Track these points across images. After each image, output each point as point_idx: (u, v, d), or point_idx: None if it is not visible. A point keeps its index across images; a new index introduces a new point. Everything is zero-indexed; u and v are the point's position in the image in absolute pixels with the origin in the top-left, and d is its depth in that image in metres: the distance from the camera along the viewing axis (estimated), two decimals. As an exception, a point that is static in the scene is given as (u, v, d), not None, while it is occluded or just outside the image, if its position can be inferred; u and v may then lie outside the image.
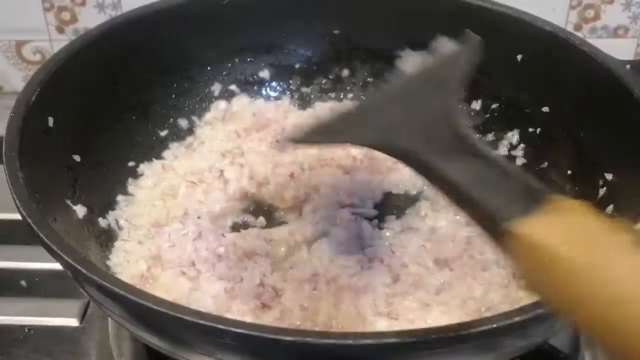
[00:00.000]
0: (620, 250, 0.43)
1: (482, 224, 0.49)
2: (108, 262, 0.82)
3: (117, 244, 0.85)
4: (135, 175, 0.93)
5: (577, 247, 0.43)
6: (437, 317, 0.76)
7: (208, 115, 1.02)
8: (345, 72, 1.05)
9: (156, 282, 0.80)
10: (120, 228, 0.87)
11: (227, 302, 0.76)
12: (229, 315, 0.74)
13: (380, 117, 0.56)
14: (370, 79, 1.05)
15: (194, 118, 1.01)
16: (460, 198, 0.50)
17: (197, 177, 0.93)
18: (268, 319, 0.75)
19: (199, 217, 0.87)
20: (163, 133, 0.98)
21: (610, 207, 0.81)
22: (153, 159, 0.96)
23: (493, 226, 0.47)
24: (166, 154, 0.98)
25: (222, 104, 1.03)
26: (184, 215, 0.88)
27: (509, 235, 0.45)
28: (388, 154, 0.56)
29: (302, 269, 0.80)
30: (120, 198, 0.90)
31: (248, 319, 0.74)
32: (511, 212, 0.45)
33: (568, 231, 0.44)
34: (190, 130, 1.00)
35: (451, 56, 0.60)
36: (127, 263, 0.82)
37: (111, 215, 0.87)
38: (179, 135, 1.00)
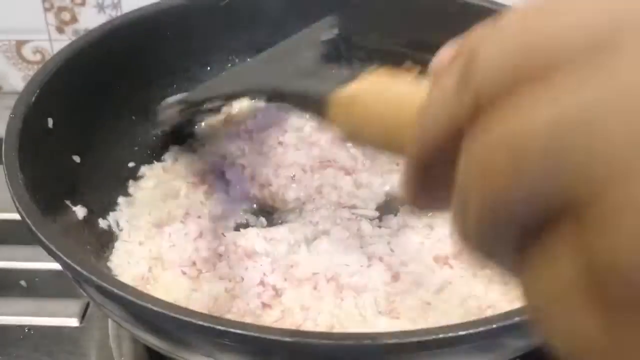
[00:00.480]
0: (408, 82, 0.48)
1: (316, 112, 0.58)
2: (109, 264, 0.82)
3: (117, 244, 0.85)
4: (136, 176, 0.94)
5: (374, 88, 0.50)
6: (438, 316, 0.76)
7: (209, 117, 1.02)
8: (345, 72, 1.05)
9: (157, 283, 0.80)
10: (120, 229, 0.87)
11: (228, 302, 0.77)
12: (229, 316, 0.74)
13: (260, 70, 0.82)
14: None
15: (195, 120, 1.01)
16: (301, 102, 0.63)
17: (199, 178, 0.93)
18: (269, 319, 0.75)
19: (199, 217, 0.87)
20: (171, 133, 0.98)
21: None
22: (154, 161, 0.96)
23: (320, 108, 0.55)
24: (167, 156, 0.98)
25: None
26: (185, 215, 0.88)
27: (327, 104, 0.54)
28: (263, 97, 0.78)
29: (302, 268, 0.81)
30: (120, 200, 0.90)
31: (249, 319, 0.74)
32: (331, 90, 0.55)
33: (372, 84, 0.51)
34: (191, 133, 1.01)
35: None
36: (128, 264, 0.82)
37: (111, 217, 0.87)
38: (179, 137, 1.00)
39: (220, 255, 0.82)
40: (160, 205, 0.90)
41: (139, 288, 0.76)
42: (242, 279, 0.79)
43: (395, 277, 0.81)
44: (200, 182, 0.92)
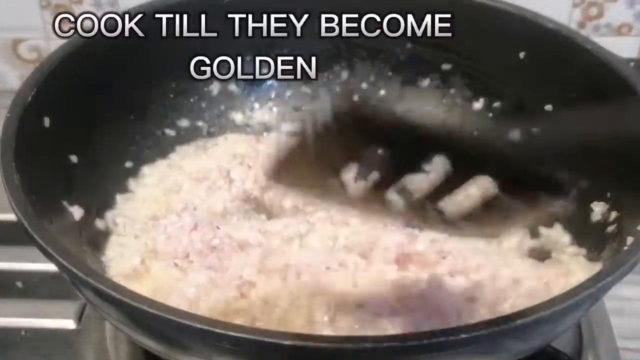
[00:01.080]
0: None
1: None
2: (102, 258, 0.82)
3: (112, 238, 0.85)
4: (135, 175, 0.93)
5: None
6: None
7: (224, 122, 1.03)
8: (346, 72, 1.05)
9: (148, 274, 0.80)
10: (115, 224, 0.87)
11: (208, 290, 0.76)
12: (203, 304, 0.75)
13: None
14: (371, 78, 1.05)
15: (213, 121, 1.02)
16: None
17: (203, 174, 0.93)
18: (236, 307, 0.75)
19: (194, 209, 0.87)
20: (171, 133, 0.99)
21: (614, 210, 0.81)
22: (158, 159, 0.96)
23: None
24: (173, 155, 0.98)
25: (239, 116, 1.04)
26: (183, 209, 0.88)
27: None
28: None
29: (278, 260, 0.81)
30: (118, 198, 0.90)
31: (220, 307, 0.74)
32: None
33: None
34: (209, 133, 1.01)
35: None
36: (122, 257, 0.82)
37: (109, 215, 0.87)
38: (191, 136, 1.00)
39: (214, 247, 0.82)
40: (160, 200, 0.90)
41: (130, 280, 0.77)
42: (227, 269, 0.79)
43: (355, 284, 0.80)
44: (203, 178, 0.92)
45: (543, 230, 0.88)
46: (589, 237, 0.84)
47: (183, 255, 0.81)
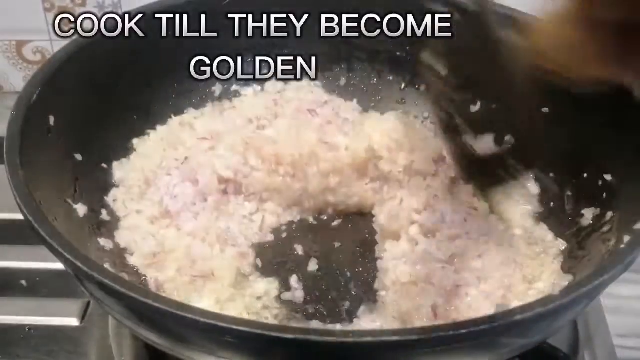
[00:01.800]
0: None
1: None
2: (117, 241, 0.84)
3: (121, 224, 0.86)
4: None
5: None
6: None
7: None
8: (345, 73, 1.06)
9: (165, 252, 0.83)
10: (114, 199, 0.88)
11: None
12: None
13: None
14: (373, 80, 1.06)
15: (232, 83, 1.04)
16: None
17: (212, 134, 0.94)
18: None
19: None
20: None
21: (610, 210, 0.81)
22: (172, 115, 0.98)
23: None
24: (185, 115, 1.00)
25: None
26: (178, 165, 0.91)
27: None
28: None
29: None
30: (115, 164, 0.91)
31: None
32: None
33: None
34: (226, 94, 1.03)
35: None
36: (136, 243, 0.84)
37: (110, 197, 0.88)
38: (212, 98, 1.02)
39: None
40: (158, 155, 0.92)
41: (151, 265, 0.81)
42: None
43: None
44: (211, 138, 0.94)
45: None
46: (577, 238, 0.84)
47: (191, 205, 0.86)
